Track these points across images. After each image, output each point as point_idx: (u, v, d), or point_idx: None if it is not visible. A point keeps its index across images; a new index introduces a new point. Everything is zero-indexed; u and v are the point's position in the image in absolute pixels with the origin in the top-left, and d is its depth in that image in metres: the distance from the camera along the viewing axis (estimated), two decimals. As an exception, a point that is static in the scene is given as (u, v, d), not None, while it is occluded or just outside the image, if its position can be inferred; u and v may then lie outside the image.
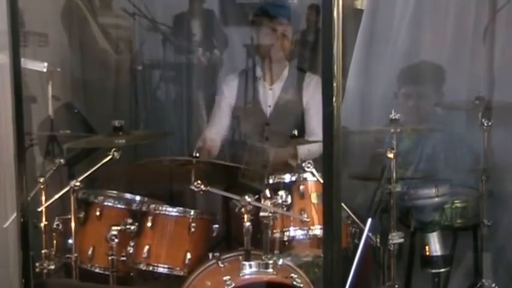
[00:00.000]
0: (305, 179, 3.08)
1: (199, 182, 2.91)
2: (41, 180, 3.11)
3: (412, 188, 3.34)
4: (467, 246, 3.57)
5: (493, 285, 3.43)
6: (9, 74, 2.43)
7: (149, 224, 3.08)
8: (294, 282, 2.75)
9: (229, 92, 3.92)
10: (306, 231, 3.02)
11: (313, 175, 3.03)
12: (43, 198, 3.10)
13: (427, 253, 3.34)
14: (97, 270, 3.16)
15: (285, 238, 3.03)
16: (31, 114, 3.78)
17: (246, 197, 2.79)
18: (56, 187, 3.20)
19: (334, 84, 1.85)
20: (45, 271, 3.11)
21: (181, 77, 5.01)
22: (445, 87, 3.76)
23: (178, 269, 3.05)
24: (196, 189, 2.91)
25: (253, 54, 3.90)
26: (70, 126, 3.92)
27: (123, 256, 3.09)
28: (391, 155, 3.06)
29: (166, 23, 4.88)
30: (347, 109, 3.80)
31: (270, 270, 2.79)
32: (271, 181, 3.09)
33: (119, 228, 3.04)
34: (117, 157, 3.19)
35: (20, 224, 2.48)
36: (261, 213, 2.81)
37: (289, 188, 3.04)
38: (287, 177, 3.09)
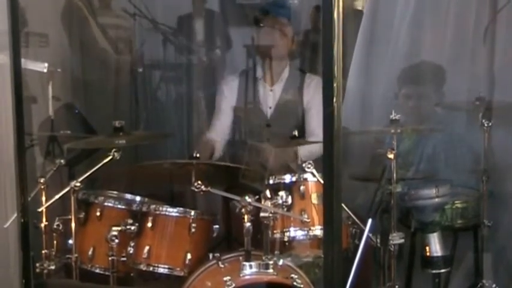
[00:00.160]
0: (305, 179, 3.08)
1: (199, 182, 2.91)
2: (42, 180, 3.11)
3: (412, 188, 3.34)
4: (467, 246, 3.56)
5: (494, 285, 3.43)
6: (9, 74, 2.43)
7: (149, 224, 3.08)
8: (295, 283, 2.75)
9: (229, 93, 3.92)
10: (306, 232, 3.03)
11: (314, 175, 3.03)
12: (43, 198, 3.09)
13: (428, 253, 3.34)
14: (97, 270, 3.16)
15: (286, 238, 3.03)
16: (31, 114, 3.78)
17: (247, 198, 2.79)
18: (56, 187, 3.20)
19: (335, 85, 1.84)
20: (45, 271, 3.11)
21: (181, 78, 5.01)
22: (445, 88, 3.76)
23: (178, 269, 3.05)
24: (196, 190, 2.91)
25: (254, 55, 3.90)
26: (70, 126, 3.92)
27: (123, 256, 3.09)
28: (391, 156, 3.06)
29: (167, 23, 4.87)
30: (347, 109, 3.80)
31: (271, 270, 2.79)
32: (271, 182, 3.09)
33: (119, 228, 3.04)
34: (118, 158, 3.19)
35: (21, 225, 2.47)
36: (262, 214, 2.81)
37: (289, 188, 3.04)
38: (287, 178, 3.09)
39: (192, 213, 3.08)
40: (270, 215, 2.82)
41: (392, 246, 3.07)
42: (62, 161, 3.35)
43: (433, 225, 3.36)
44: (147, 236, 3.08)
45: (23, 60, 2.53)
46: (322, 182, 2.69)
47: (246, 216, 2.78)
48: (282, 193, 2.94)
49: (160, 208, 3.10)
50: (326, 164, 1.89)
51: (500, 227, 3.51)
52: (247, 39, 3.92)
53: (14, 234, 2.93)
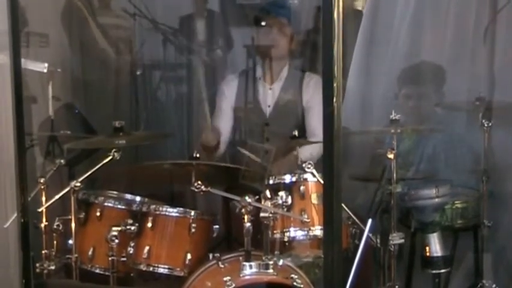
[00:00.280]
0: (305, 179, 3.08)
1: (199, 182, 2.91)
2: (42, 180, 3.11)
3: (412, 188, 3.34)
4: (467, 246, 3.56)
5: (494, 285, 3.43)
6: (9, 75, 2.43)
7: (149, 224, 3.08)
8: (294, 283, 2.74)
9: (229, 92, 3.92)
10: (306, 232, 3.02)
11: (314, 176, 3.03)
12: (43, 198, 3.09)
13: (428, 254, 3.34)
14: (97, 270, 3.16)
15: (285, 239, 3.03)
16: (31, 114, 3.77)
17: (247, 198, 2.79)
18: (56, 187, 3.20)
19: (335, 85, 1.84)
20: (45, 271, 3.11)
21: (182, 78, 5.01)
22: (445, 88, 3.76)
23: (178, 269, 3.05)
24: (196, 190, 2.91)
25: (254, 55, 3.90)
26: (70, 126, 3.92)
27: (123, 257, 3.09)
28: (391, 156, 3.06)
29: (167, 23, 4.87)
30: (347, 110, 3.80)
31: (271, 270, 2.79)
32: (271, 182, 3.09)
33: (119, 228, 3.04)
34: (118, 158, 3.19)
35: (21, 225, 2.47)
36: (262, 214, 2.81)
37: (289, 188, 3.04)
38: (287, 178, 3.09)
39: (192, 213, 3.08)
40: (270, 215, 2.82)
41: (392, 246, 3.07)
42: (62, 161, 3.35)
43: (433, 225, 3.36)
44: (147, 236, 3.08)
45: (23, 60, 2.54)
46: (322, 182, 2.69)
47: (246, 217, 2.78)
48: (282, 193, 2.94)
49: (160, 208, 3.10)
50: (326, 164, 1.89)
51: (500, 227, 3.51)
52: (247, 39, 3.92)
53: (14, 234, 2.93)
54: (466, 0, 3.80)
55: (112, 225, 3.05)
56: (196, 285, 2.92)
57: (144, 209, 3.13)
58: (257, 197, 2.88)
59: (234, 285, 2.71)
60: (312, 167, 3.01)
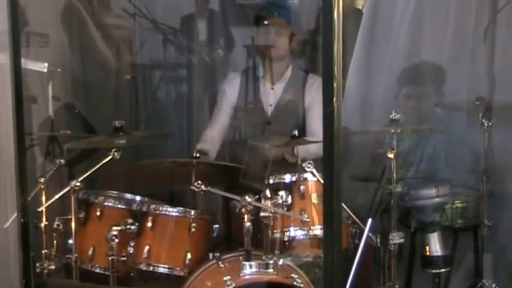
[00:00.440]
0: (305, 179, 3.08)
1: (199, 182, 2.91)
2: (42, 180, 3.11)
3: (412, 188, 3.34)
4: (467, 246, 3.56)
5: (494, 285, 3.43)
6: (9, 74, 2.43)
7: (149, 224, 3.08)
8: (295, 283, 2.75)
9: (231, 91, 3.93)
10: (306, 232, 3.02)
11: (314, 175, 3.03)
12: (43, 198, 3.10)
13: (428, 253, 3.34)
14: (97, 270, 3.16)
15: (286, 238, 3.03)
16: (31, 114, 3.77)
17: (247, 197, 2.79)
18: (56, 187, 3.20)
19: (335, 85, 1.84)
20: (45, 271, 3.11)
21: (182, 78, 5.01)
22: (445, 88, 3.76)
23: (178, 269, 3.05)
24: (196, 190, 2.91)
25: (254, 55, 3.90)
26: (70, 126, 3.92)
27: (123, 256, 3.09)
28: (391, 156, 3.06)
29: (168, 23, 4.87)
30: (347, 109, 3.80)
31: (271, 270, 2.79)
32: (271, 181, 3.09)
33: (119, 228, 3.04)
34: (118, 157, 3.19)
35: (21, 224, 2.48)
36: (262, 214, 2.81)
37: (289, 188, 3.04)
38: (287, 178, 3.09)
39: (192, 213, 3.08)
40: (270, 214, 2.82)
41: (392, 246, 3.07)
42: (62, 161, 3.35)
43: (433, 225, 3.36)
44: (147, 235, 3.08)
45: (23, 60, 2.54)
46: (322, 181, 2.70)
47: (246, 216, 2.79)
48: (282, 193, 2.94)
49: (160, 208, 3.10)
50: (326, 164, 1.89)
51: (500, 227, 3.51)
52: (248, 39, 3.92)
53: (14, 234, 2.93)
54: (466, 0, 3.80)
55: (112, 224, 3.05)
56: (196, 284, 2.92)
57: (144, 208, 3.13)
58: (257, 196, 2.88)
59: (234, 284, 2.71)
60: (312, 167, 3.01)
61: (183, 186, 3.33)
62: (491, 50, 3.67)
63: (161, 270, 3.06)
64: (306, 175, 3.07)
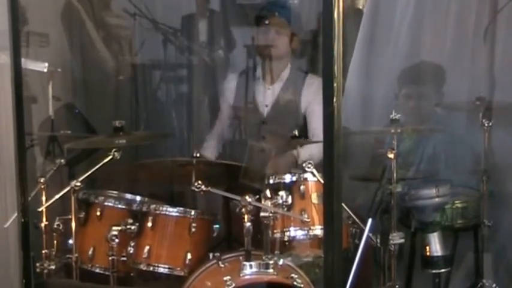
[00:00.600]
0: (305, 179, 3.08)
1: (199, 182, 2.91)
2: (42, 180, 3.11)
3: (412, 188, 3.33)
4: (467, 246, 3.56)
5: (494, 285, 3.43)
6: (9, 74, 2.43)
7: (150, 224, 3.08)
8: (295, 283, 2.75)
9: (228, 92, 3.94)
10: (306, 232, 3.02)
11: (314, 175, 3.03)
12: (43, 198, 3.10)
13: (428, 253, 3.34)
14: (97, 270, 3.17)
15: (286, 238, 3.03)
16: (31, 114, 3.77)
17: (247, 197, 2.79)
18: (56, 187, 3.20)
19: (335, 85, 1.84)
20: (45, 271, 3.11)
21: (182, 78, 5.01)
22: (445, 88, 3.76)
23: (178, 269, 3.05)
24: (196, 190, 2.91)
25: (254, 55, 3.90)
26: (71, 126, 3.92)
27: (123, 256, 3.09)
28: (391, 156, 3.06)
29: (168, 23, 4.87)
30: (347, 109, 3.80)
31: (271, 270, 2.79)
32: (271, 181, 3.09)
33: (119, 228, 3.04)
34: (118, 157, 3.19)
35: (21, 224, 2.48)
36: (262, 214, 2.81)
37: (289, 188, 3.04)
38: (287, 178, 3.09)
39: (192, 213, 3.08)
40: (270, 214, 2.82)
41: (393, 246, 3.07)
42: (62, 160, 3.35)
43: (433, 225, 3.36)
44: (147, 235, 3.08)
45: (23, 60, 2.54)
46: (322, 181, 2.70)
47: (246, 216, 2.79)
48: (282, 193, 2.94)
49: (161, 208, 3.10)
50: (326, 164, 1.89)
51: (500, 227, 3.51)
52: (248, 39, 3.92)
53: (14, 234, 2.93)
54: (466, 0, 3.80)
55: (112, 224, 3.05)
56: (196, 285, 2.92)
57: (144, 208, 3.13)
58: (257, 196, 2.88)
59: (234, 284, 2.72)
60: (312, 167, 3.01)
61: (183, 186, 3.33)
62: (491, 50, 3.67)
63: (161, 270, 3.06)
64: (306, 175, 3.07)
